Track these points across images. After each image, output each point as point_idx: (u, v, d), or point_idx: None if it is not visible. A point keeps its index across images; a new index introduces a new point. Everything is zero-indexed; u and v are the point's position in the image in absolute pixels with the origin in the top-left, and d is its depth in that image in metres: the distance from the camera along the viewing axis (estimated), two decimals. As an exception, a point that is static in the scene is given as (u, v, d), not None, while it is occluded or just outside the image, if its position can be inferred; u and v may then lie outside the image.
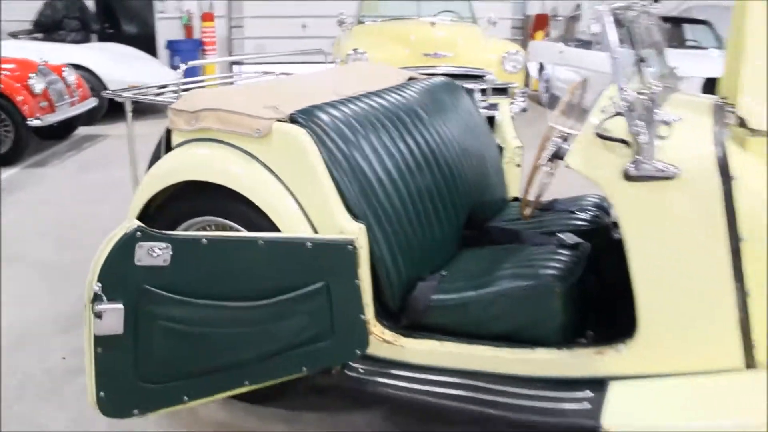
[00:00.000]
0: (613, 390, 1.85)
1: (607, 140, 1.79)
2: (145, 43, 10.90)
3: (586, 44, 9.40)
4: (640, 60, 2.05)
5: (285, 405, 2.32)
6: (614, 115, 1.78)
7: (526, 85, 9.69)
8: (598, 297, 2.23)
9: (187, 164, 2.11)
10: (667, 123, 1.68)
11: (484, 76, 6.49)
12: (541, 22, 12.84)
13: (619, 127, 1.78)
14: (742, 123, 1.83)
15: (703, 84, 6.48)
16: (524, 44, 10.64)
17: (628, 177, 1.74)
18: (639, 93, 1.73)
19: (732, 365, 1.82)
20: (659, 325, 1.85)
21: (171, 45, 11.61)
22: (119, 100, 3.32)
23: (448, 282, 2.14)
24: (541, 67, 10.25)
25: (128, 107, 3.25)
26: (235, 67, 9.83)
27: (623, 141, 1.77)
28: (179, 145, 2.18)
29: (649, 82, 1.82)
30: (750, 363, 1.81)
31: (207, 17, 11.81)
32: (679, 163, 1.73)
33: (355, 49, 6.38)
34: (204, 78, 4.10)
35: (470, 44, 7.03)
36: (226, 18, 12.30)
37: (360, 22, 7.69)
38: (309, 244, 1.83)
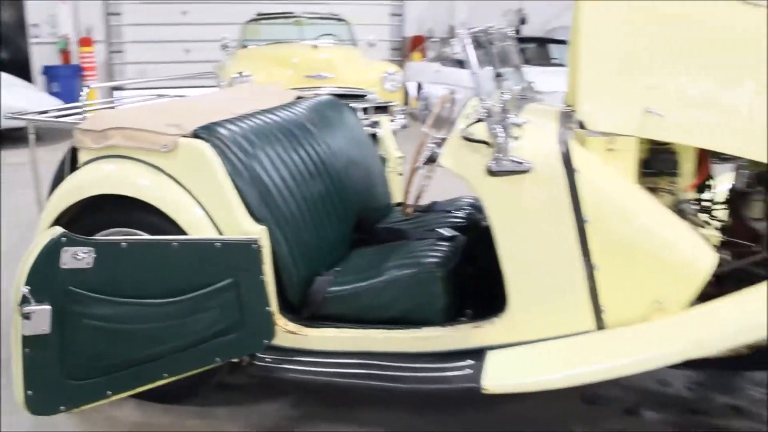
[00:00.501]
0: (490, 357, 2.15)
1: (471, 142, 2.10)
2: (19, 68, 10.55)
3: (459, 63, 10.01)
4: (498, 75, 2.40)
5: (197, 402, 2.48)
6: (476, 121, 2.10)
7: (405, 103, 10.15)
8: (474, 282, 2.55)
9: (98, 179, 2.26)
10: (518, 125, 2.02)
11: (365, 95, 6.84)
12: (418, 43, 13.44)
13: (481, 130, 2.10)
14: (581, 126, 2.20)
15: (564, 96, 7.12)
16: (402, 64, 11.11)
17: (490, 172, 2.06)
18: (496, 102, 2.05)
19: (586, 328, 2.16)
20: (524, 300, 2.17)
21: (48, 71, 11.28)
22: (23, 124, 3.35)
23: (342, 276, 2.39)
24: (420, 86, 10.75)
25: (31, 130, 3.30)
26: (116, 93, 9.70)
27: (485, 142, 2.09)
28: (87, 162, 2.33)
29: (502, 93, 2.15)
30: (600, 325, 2.16)
31: (85, 42, 11.58)
32: (532, 159, 2.07)
33: (240, 72, 6.57)
34: (109, 100, 4.18)
35: (351, 65, 7.37)
36: (105, 43, 12.11)
37: (243, 46, 7.88)
38: (218, 244, 2.04)
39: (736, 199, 2.40)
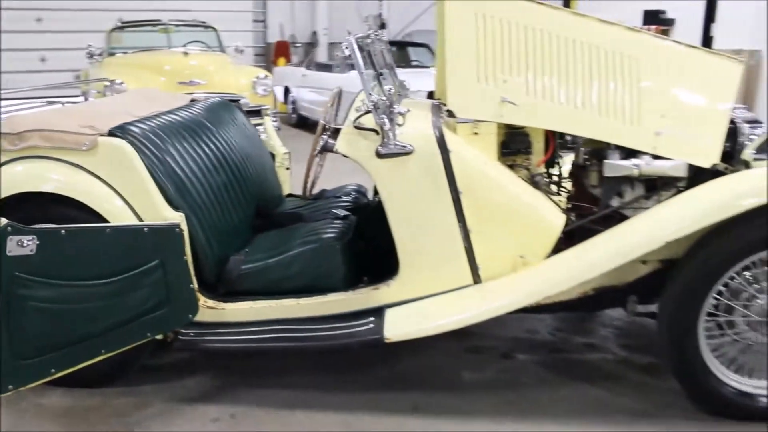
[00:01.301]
0: (389, 313, 2.53)
1: (362, 130, 2.47)
2: None
3: (325, 67, 10.40)
4: (379, 75, 2.79)
5: (123, 383, 2.68)
6: (366, 113, 2.47)
7: (275, 107, 10.40)
8: (367, 253, 2.91)
9: (19, 179, 2.42)
10: (402, 114, 2.41)
11: (238, 100, 7.02)
12: (282, 48, 13.71)
13: (369, 120, 2.47)
14: (451, 114, 2.62)
15: (427, 96, 7.66)
16: (268, 70, 11.34)
17: (380, 155, 2.43)
18: (381, 96, 2.43)
19: (466, 283, 2.59)
20: (413, 263, 2.57)
21: None
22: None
23: (252, 255, 2.69)
24: (287, 90, 11.02)
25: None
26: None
27: (374, 130, 2.46)
28: (4, 163, 2.48)
29: (386, 88, 2.54)
30: (477, 280, 2.59)
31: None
32: (413, 142, 2.46)
33: (113, 81, 6.58)
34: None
35: (222, 71, 7.56)
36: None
37: (111, 54, 7.84)
38: (146, 229, 2.28)
39: (577, 172, 2.92)
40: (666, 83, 2.69)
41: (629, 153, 2.70)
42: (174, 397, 2.64)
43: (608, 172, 2.70)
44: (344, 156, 2.53)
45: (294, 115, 10.77)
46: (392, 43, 10.56)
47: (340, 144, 2.51)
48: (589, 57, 2.65)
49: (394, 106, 2.41)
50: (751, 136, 2.71)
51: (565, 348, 3.10)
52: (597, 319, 3.36)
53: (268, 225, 3.11)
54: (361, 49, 2.63)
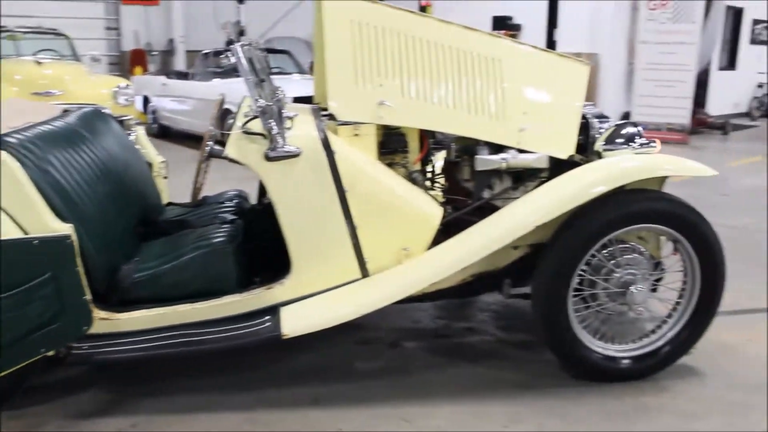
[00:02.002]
0: (284, 311, 2.62)
1: (251, 135, 2.55)
2: None
3: (184, 76, 10.21)
4: (261, 81, 2.87)
5: (14, 405, 2.59)
6: (253, 118, 2.55)
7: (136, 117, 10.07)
8: (255, 255, 2.98)
9: None
10: (290, 118, 2.51)
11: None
12: (138, 57, 13.28)
13: (257, 125, 2.55)
14: (332, 117, 2.75)
15: (292, 102, 7.76)
16: (126, 79, 10.97)
17: (269, 158, 2.52)
18: (267, 102, 2.52)
19: (355, 277, 2.73)
20: (305, 261, 2.67)
21: None
22: None
23: (143, 263, 2.69)
24: (146, 100, 10.70)
25: None
26: None
27: (262, 134, 2.55)
28: None
29: (271, 94, 2.63)
30: (365, 273, 2.74)
31: None
32: (300, 145, 2.57)
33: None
34: None
35: (79, 81, 7.29)
36: None
37: (-48, 64, 7.33)
38: (36, 242, 2.24)
39: (450, 168, 3.15)
40: (526, 83, 2.97)
41: (497, 148, 2.96)
42: (70, 414, 2.59)
43: (479, 167, 2.94)
44: (232, 161, 2.60)
45: (155, 125, 10.47)
46: (254, 49, 10.59)
47: (230, 149, 2.57)
48: (457, 60, 2.87)
49: (284, 111, 2.51)
50: (601, 130, 3.04)
51: (448, 333, 3.32)
52: (474, 304, 3.61)
53: (153, 233, 3.10)
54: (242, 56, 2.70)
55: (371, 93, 2.78)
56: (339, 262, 2.72)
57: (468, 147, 3.02)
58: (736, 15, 15.71)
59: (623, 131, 2.95)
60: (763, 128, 14.49)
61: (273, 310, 2.64)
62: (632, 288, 2.73)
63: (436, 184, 3.20)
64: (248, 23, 12.33)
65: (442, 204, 2.99)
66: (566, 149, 2.98)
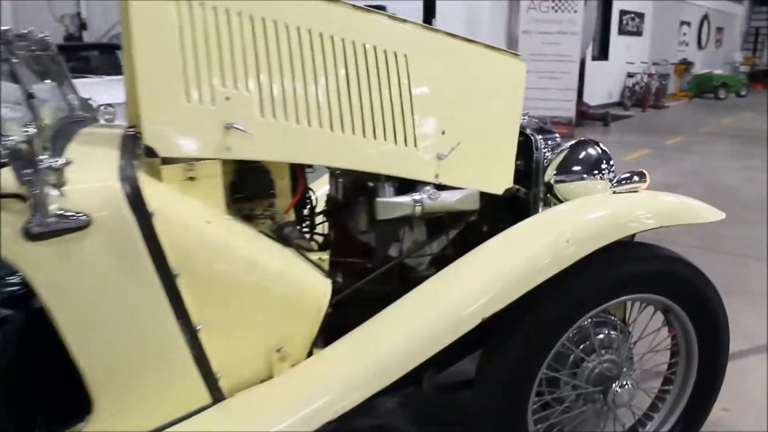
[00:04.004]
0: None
1: (-5, 197, 1.47)
2: None
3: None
4: (30, 97, 1.78)
5: None
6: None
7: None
8: (49, 369, 1.91)
9: None
10: (58, 168, 1.44)
11: None
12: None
13: (9, 180, 1.48)
14: (150, 152, 1.71)
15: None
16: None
17: (32, 236, 1.46)
18: (25, 139, 1.45)
19: (201, 403, 1.72)
20: (115, 390, 1.63)
21: None
22: None
23: None
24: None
25: None
26: None
27: (17, 196, 1.48)
28: None
29: (34, 122, 1.56)
30: (218, 396, 1.73)
31: None
32: (89, 209, 1.52)
33: None
34: None
35: None
36: None
37: None
38: None
39: (337, 211, 2.18)
40: (444, 89, 2.04)
41: (406, 184, 2.03)
42: None
43: (382, 214, 1.99)
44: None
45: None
46: (95, 46, 9.16)
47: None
48: (343, 57, 1.90)
49: (43, 156, 1.44)
50: (546, 152, 2.18)
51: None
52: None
53: None
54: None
55: (212, 112, 1.76)
56: (173, 383, 1.69)
57: (362, 183, 2.07)
58: (605, 5, 15.73)
59: (581, 155, 2.10)
60: (638, 118, 14.55)
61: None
62: (615, 386, 1.89)
63: (316, 236, 2.23)
64: (90, 16, 10.79)
65: (331, 270, 2.01)
66: (502, 180, 2.10)
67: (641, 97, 16.20)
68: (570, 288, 1.74)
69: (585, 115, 12.42)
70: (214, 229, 1.73)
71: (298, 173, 2.02)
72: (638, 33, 18.16)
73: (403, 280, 2.14)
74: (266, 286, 1.77)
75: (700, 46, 23.12)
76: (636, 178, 1.90)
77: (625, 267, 1.81)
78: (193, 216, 1.71)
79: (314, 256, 1.98)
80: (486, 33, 11.64)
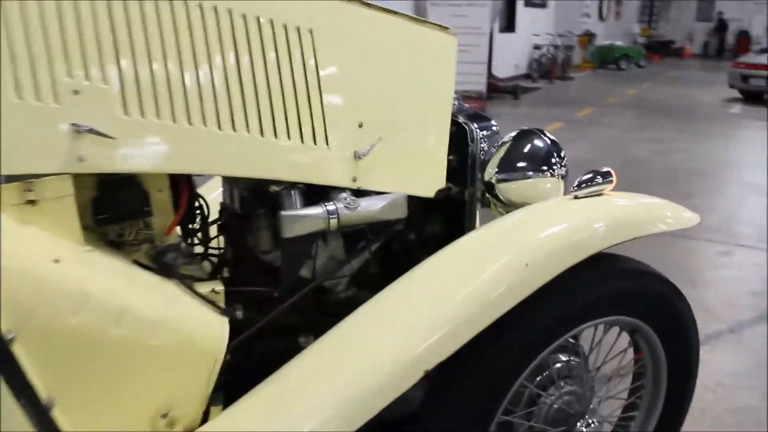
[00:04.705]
0: None
1: None
2: None
3: None
4: None
5: None
6: None
7: None
8: None
9: None
10: None
11: None
12: None
13: None
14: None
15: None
16: None
17: None
18: None
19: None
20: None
21: None
22: None
23: None
24: None
25: None
26: None
27: None
28: None
29: None
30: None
31: None
32: None
33: None
34: None
35: None
36: None
37: None
38: None
39: (234, 226, 1.78)
40: (361, 71, 1.66)
41: (315, 192, 1.64)
42: None
43: (288, 231, 1.59)
44: None
45: None
46: None
47: None
48: (232, 35, 1.48)
49: None
50: (482, 144, 1.83)
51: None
52: None
53: None
54: None
55: (54, 111, 1.31)
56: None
57: (264, 190, 1.67)
58: (511, -24, 15.67)
59: (526, 148, 1.76)
60: (546, 90, 14.59)
61: None
62: (581, 425, 1.58)
63: (212, 260, 1.82)
64: None
65: (227, 305, 1.60)
66: (434, 181, 1.75)
67: (548, 69, 16.28)
68: (525, 319, 1.41)
69: (495, 88, 12.28)
70: (65, 270, 1.29)
71: (181, 182, 1.60)
72: (543, 5, 18.23)
73: (318, 305, 1.77)
74: (141, 337, 1.35)
75: (601, 17, 23.54)
76: (599, 178, 1.57)
77: (592, 289, 1.49)
78: (34, 254, 1.27)
79: (206, 288, 1.57)
80: (391, 5, 11.27)
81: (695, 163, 7.37)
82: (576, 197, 1.57)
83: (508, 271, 1.36)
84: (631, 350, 1.73)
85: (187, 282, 1.52)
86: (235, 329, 1.53)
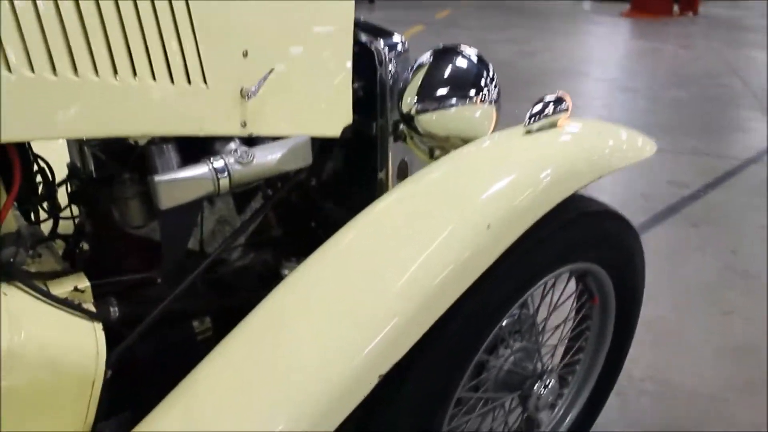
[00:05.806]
0: None
1: None
2: None
3: None
4: None
5: None
6: None
7: None
8: None
9: None
10: None
11: None
12: None
13: None
14: None
15: None
16: None
17: None
18: None
19: None
20: None
21: None
22: None
23: None
24: None
25: None
26: None
27: None
28: None
29: None
30: None
31: None
32: None
33: None
34: None
35: None
36: None
37: None
38: None
39: (91, 196, 1.39)
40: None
41: (195, 144, 1.28)
42: None
43: (166, 201, 1.22)
44: None
45: None
46: None
47: None
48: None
49: None
50: (390, 68, 1.52)
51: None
52: None
53: None
54: None
55: None
56: None
57: (126, 146, 1.29)
58: None
59: (448, 70, 1.46)
60: (400, -10, 14.19)
61: None
62: (537, 387, 1.38)
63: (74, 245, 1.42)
64: None
65: (100, 301, 1.22)
66: (339, 116, 1.42)
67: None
68: (484, 287, 1.14)
69: (349, -6, 11.76)
70: None
71: (9, 149, 1.18)
72: None
73: (213, 285, 1.43)
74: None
75: None
76: (551, 107, 1.31)
77: (555, 241, 1.25)
78: None
79: (66, 286, 1.18)
80: None
81: (560, 62, 7.39)
82: (528, 131, 1.30)
83: (469, 234, 1.08)
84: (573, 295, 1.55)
85: (38, 285, 1.12)
86: (112, 329, 1.17)
